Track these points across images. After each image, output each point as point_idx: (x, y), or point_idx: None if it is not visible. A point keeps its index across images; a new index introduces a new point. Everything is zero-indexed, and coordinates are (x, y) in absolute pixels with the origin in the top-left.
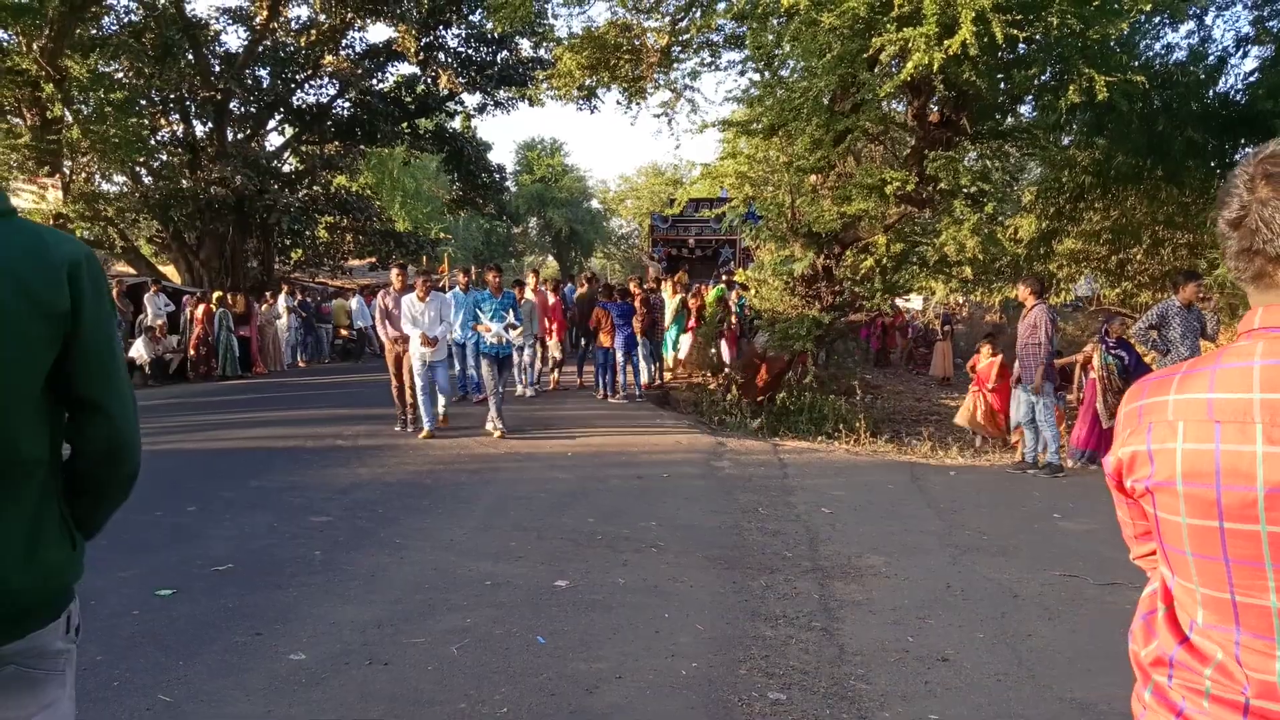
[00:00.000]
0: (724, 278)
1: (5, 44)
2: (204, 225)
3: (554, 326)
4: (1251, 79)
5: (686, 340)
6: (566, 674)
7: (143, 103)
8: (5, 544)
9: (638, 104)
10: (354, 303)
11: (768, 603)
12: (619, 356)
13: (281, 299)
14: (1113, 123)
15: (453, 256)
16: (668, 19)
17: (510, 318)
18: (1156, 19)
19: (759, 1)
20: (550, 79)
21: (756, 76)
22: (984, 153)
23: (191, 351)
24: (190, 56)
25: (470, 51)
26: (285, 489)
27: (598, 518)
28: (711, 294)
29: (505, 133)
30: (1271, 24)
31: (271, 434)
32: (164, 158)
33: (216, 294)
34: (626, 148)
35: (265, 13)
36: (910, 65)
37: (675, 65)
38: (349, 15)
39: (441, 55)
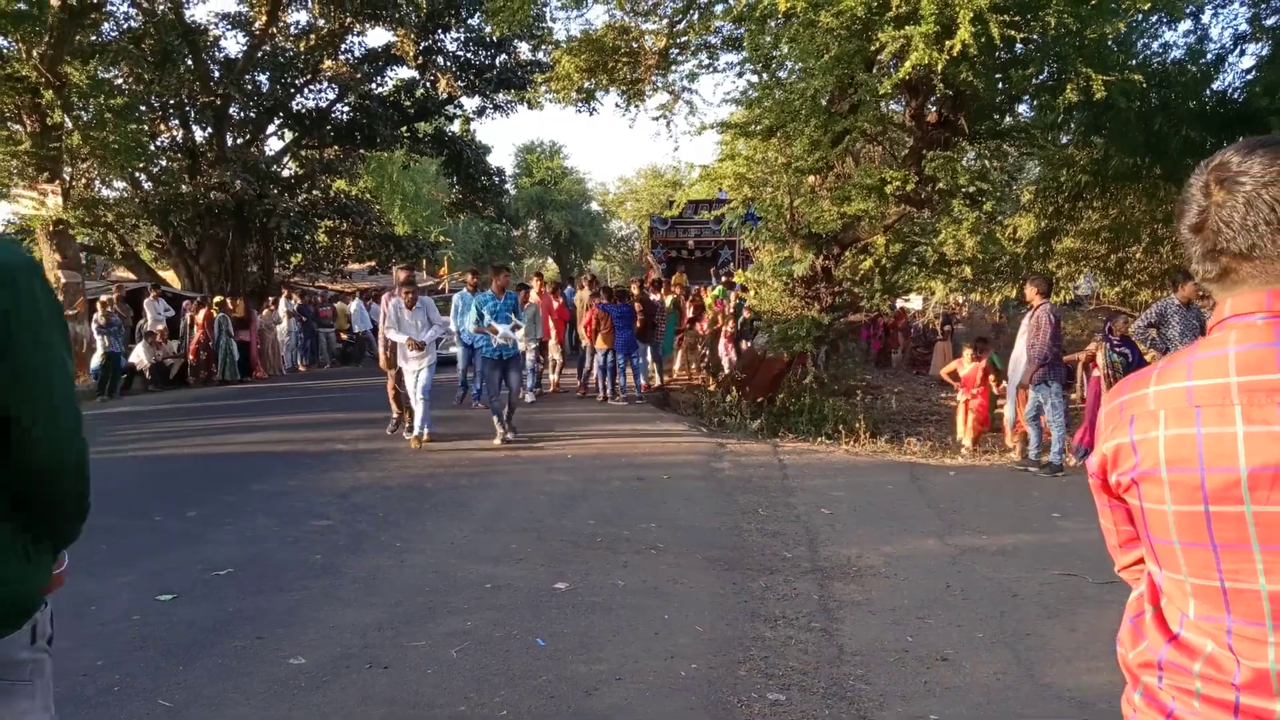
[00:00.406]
0: (723, 279)
1: (5, 51)
2: (204, 230)
3: (555, 329)
4: (1249, 77)
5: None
6: (566, 676)
7: (142, 108)
8: None
9: (636, 106)
10: (353, 306)
11: (767, 603)
12: (619, 358)
13: (282, 303)
14: (1111, 122)
15: (453, 260)
16: (665, 21)
17: (514, 319)
18: (1154, 18)
19: (756, 3)
20: (549, 82)
21: (754, 78)
22: (982, 152)
23: (191, 356)
24: (190, 62)
25: (469, 55)
26: (285, 493)
27: (598, 520)
28: (710, 296)
29: (504, 136)
30: (1268, 21)
31: (272, 438)
32: (164, 163)
33: (217, 299)
34: (625, 150)
35: (264, 18)
36: (908, 65)
37: (673, 67)
38: (348, 20)
39: (440, 59)
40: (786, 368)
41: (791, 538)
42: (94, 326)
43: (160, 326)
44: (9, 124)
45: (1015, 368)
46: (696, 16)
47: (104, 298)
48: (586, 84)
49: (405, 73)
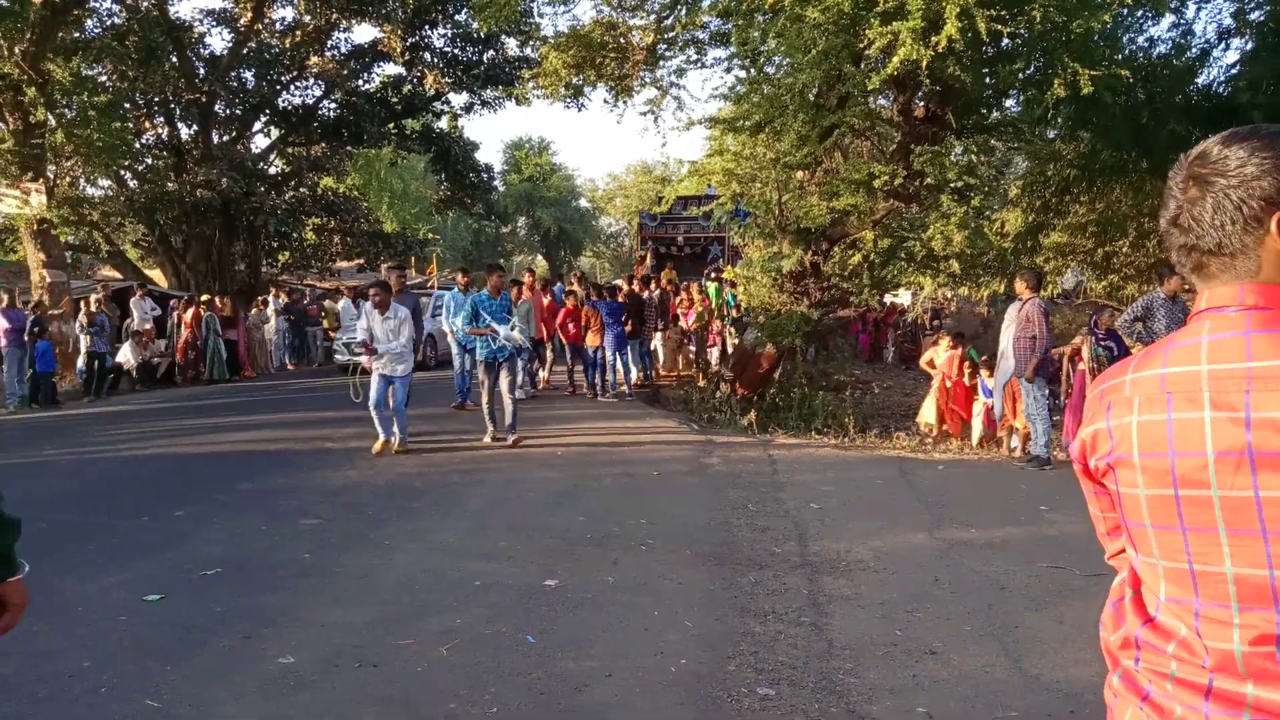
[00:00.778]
0: (712, 275)
1: None
2: (190, 229)
3: (546, 326)
4: (1233, 71)
5: (658, 339)
6: (556, 673)
7: (127, 106)
8: None
9: (624, 102)
10: (342, 305)
11: (757, 599)
12: (609, 355)
13: (271, 302)
14: (1097, 116)
15: (441, 257)
16: (653, 17)
17: (512, 320)
18: (1139, 13)
19: None
20: (537, 78)
21: (742, 73)
22: (970, 147)
23: (179, 356)
24: (174, 59)
25: (456, 51)
26: (274, 492)
27: (588, 517)
28: (703, 292)
29: (492, 132)
30: (1252, 16)
31: (261, 437)
32: (149, 161)
33: (204, 297)
34: (614, 146)
35: (249, 14)
36: (895, 60)
37: (661, 63)
38: (334, 16)
39: (427, 55)
40: (776, 363)
41: (781, 533)
42: (77, 326)
43: (147, 326)
44: None
45: (1002, 361)
46: (684, 11)
47: (93, 297)
48: (574, 80)
49: (392, 69)
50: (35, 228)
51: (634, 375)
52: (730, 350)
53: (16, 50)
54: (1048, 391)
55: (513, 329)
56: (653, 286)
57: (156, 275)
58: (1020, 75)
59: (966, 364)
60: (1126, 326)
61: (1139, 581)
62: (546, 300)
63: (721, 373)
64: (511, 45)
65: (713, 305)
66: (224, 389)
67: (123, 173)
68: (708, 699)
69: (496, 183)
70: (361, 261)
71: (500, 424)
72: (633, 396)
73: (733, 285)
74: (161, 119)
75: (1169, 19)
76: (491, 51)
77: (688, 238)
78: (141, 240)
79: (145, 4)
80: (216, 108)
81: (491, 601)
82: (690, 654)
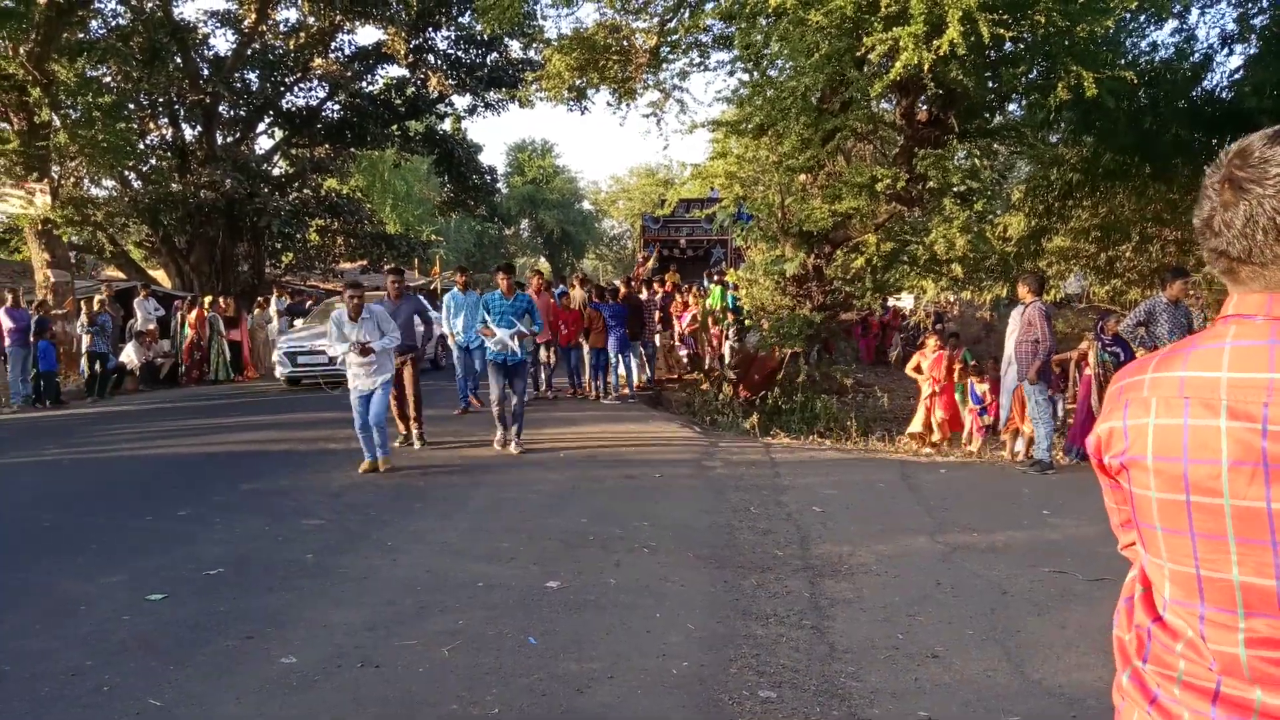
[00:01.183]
0: (715, 278)
1: None
2: (194, 229)
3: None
4: (1237, 76)
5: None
6: (558, 674)
7: (131, 107)
8: None
9: (627, 105)
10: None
11: (759, 601)
12: (611, 357)
13: (273, 302)
14: (1100, 120)
15: (444, 258)
16: (656, 20)
17: (521, 325)
18: (1142, 17)
19: (747, 1)
20: (540, 80)
21: (745, 76)
22: (972, 151)
23: (185, 357)
24: (179, 60)
25: (460, 53)
26: (277, 492)
27: (590, 518)
28: (709, 298)
29: (496, 134)
30: (1255, 21)
31: (263, 437)
32: (153, 162)
33: (208, 299)
34: (617, 149)
35: (254, 16)
36: (899, 65)
37: (664, 66)
38: (338, 18)
39: (431, 57)
40: (779, 366)
41: (783, 536)
42: (78, 326)
43: (151, 326)
44: None
45: (1007, 365)
46: (687, 14)
47: (96, 298)
48: (577, 82)
49: (396, 71)
50: (39, 228)
51: (635, 377)
52: (730, 353)
53: (21, 51)
54: (1050, 396)
55: (514, 336)
56: (654, 289)
57: (160, 276)
58: (1023, 79)
59: (958, 364)
60: (1129, 330)
61: (1149, 578)
62: (549, 302)
63: (724, 375)
64: (515, 48)
65: (714, 308)
66: (227, 389)
67: (127, 173)
68: (709, 701)
69: (499, 185)
70: (365, 263)
71: (509, 429)
72: (635, 399)
73: (735, 288)
74: (165, 120)
75: (1172, 24)
76: (495, 54)
77: (690, 240)
78: (145, 241)
79: (150, 5)
80: (220, 109)
81: (493, 602)
82: (692, 656)
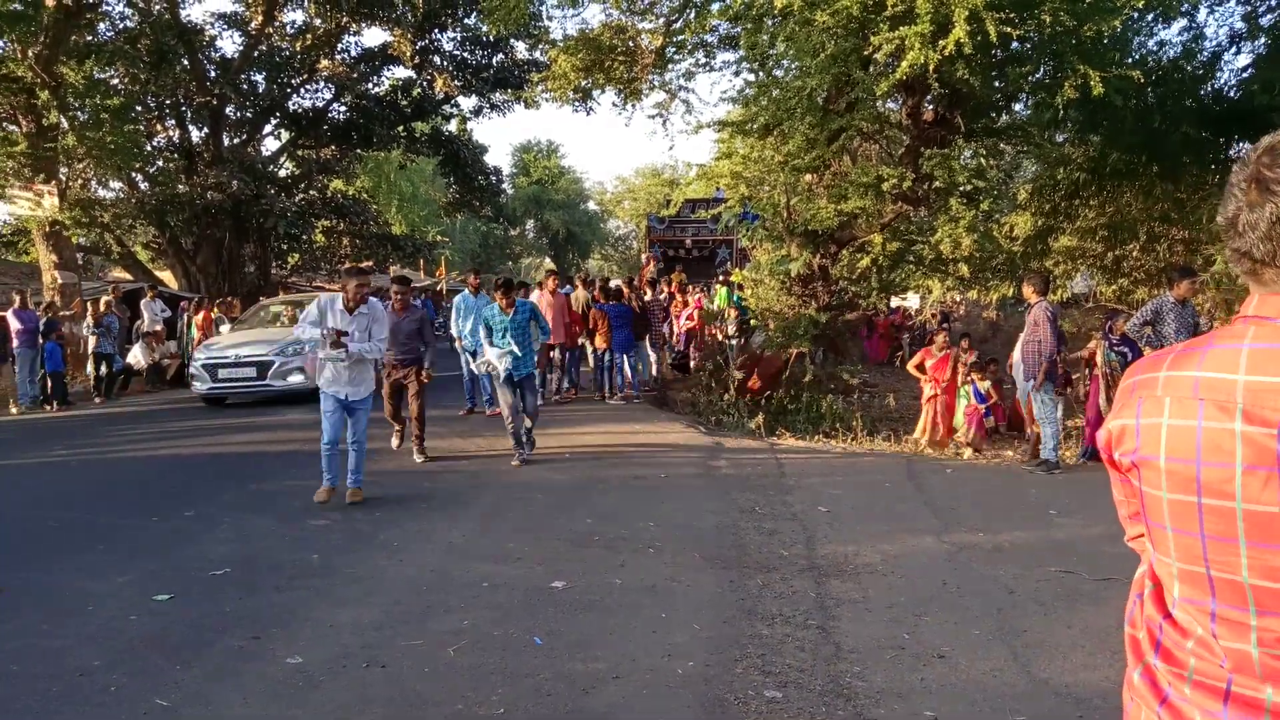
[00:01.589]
0: (721, 279)
1: (0, 51)
2: (200, 231)
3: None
4: (1245, 74)
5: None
6: (563, 674)
7: (138, 109)
8: None
9: (633, 105)
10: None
11: (764, 602)
12: (616, 357)
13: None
14: (1107, 120)
15: (450, 259)
16: (662, 20)
17: (515, 344)
18: (1149, 16)
19: (753, 2)
20: (545, 81)
21: (751, 76)
22: (979, 151)
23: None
24: (186, 62)
25: (466, 54)
26: (283, 492)
27: (595, 519)
28: (716, 299)
29: (501, 135)
30: (1264, 19)
31: (270, 438)
32: (160, 163)
33: (219, 301)
34: (623, 149)
35: (260, 18)
36: (905, 64)
37: (670, 66)
38: (344, 19)
39: (437, 58)
40: (784, 366)
41: (789, 536)
42: (84, 327)
43: (158, 327)
44: (4, 125)
45: (1017, 366)
46: (693, 15)
47: (103, 299)
48: (583, 83)
49: (402, 72)
50: (47, 229)
51: (648, 375)
52: (731, 350)
53: (30, 53)
54: (1055, 395)
55: (502, 357)
56: (661, 289)
57: (167, 277)
58: (1030, 79)
59: (964, 364)
60: (1136, 330)
61: (1158, 575)
62: (564, 302)
63: (730, 375)
64: (520, 49)
65: (723, 307)
66: None
67: (134, 175)
68: (715, 701)
69: (505, 185)
70: (371, 264)
71: (524, 446)
72: (640, 399)
73: (740, 288)
74: (173, 121)
75: (1180, 22)
76: (500, 55)
77: (696, 241)
78: (152, 242)
79: (157, 7)
80: (227, 110)
81: (499, 603)
82: (698, 656)
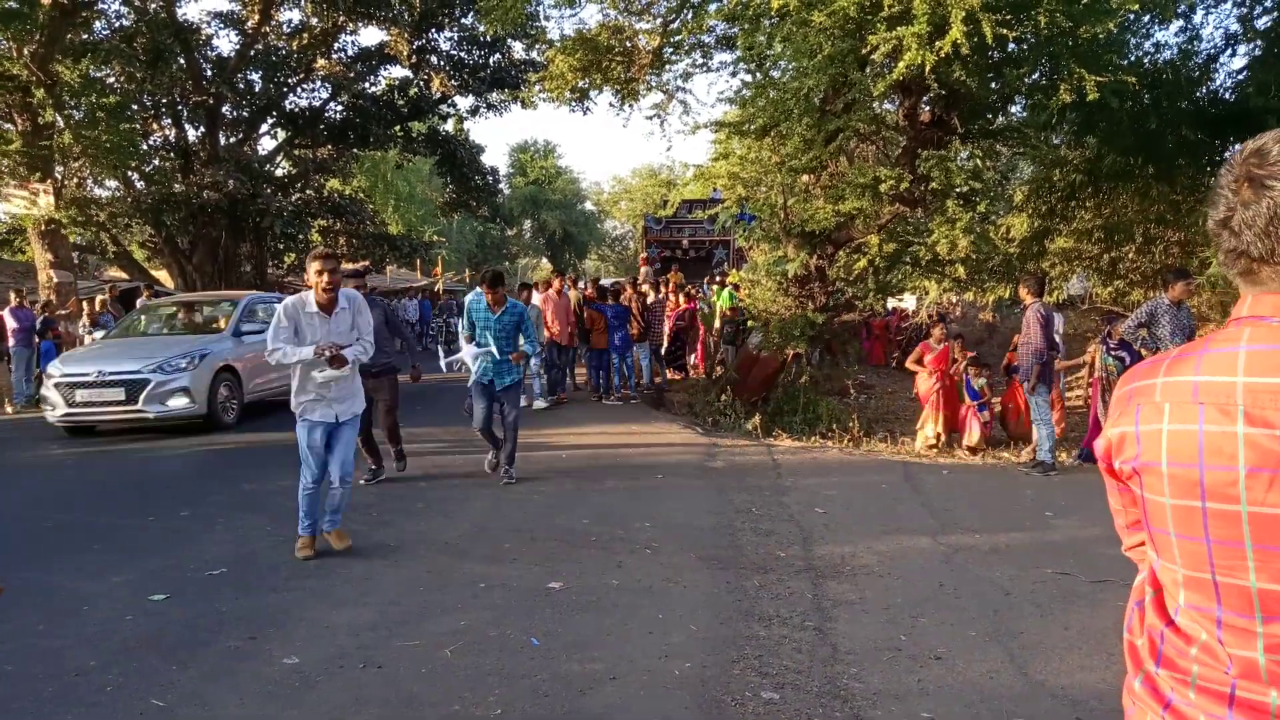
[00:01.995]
0: (718, 279)
1: None
2: (197, 230)
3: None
4: (1241, 76)
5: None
6: (560, 675)
7: (134, 107)
8: None
9: (630, 106)
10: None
11: (761, 602)
12: (613, 358)
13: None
14: (1103, 121)
15: (446, 259)
16: (659, 21)
17: (490, 344)
18: (1145, 18)
19: (750, 2)
20: (542, 81)
21: (748, 77)
22: (975, 152)
23: None
24: (182, 61)
25: (462, 54)
26: (278, 492)
27: (592, 519)
28: (716, 299)
29: (498, 135)
30: (1259, 21)
31: (264, 437)
32: (156, 162)
33: None
34: (620, 150)
35: (257, 17)
36: (901, 65)
37: (667, 67)
38: (341, 19)
39: (434, 58)
40: (781, 367)
41: (785, 537)
42: (80, 326)
43: None
44: (0, 123)
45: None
46: (690, 15)
47: (99, 298)
48: (580, 83)
49: (398, 72)
50: (43, 228)
51: (649, 376)
52: (722, 351)
53: (26, 52)
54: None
55: (479, 356)
56: (662, 291)
57: (163, 276)
58: (1026, 80)
59: (961, 359)
60: (1131, 332)
61: (1159, 582)
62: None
63: (727, 375)
64: (517, 49)
65: (724, 308)
66: None
67: (130, 174)
68: (712, 702)
69: (502, 185)
70: (367, 263)
71: (500, 449)
72: (636, 399)
73: (736, 288)
74: (169, 120)
75: (1176, 24)
76: (497, 55)
77: (693, 241)
78: (148, 241)
79: (153, 6)
80: (224, 109)
81: (495, 603)
82: (694, 657)
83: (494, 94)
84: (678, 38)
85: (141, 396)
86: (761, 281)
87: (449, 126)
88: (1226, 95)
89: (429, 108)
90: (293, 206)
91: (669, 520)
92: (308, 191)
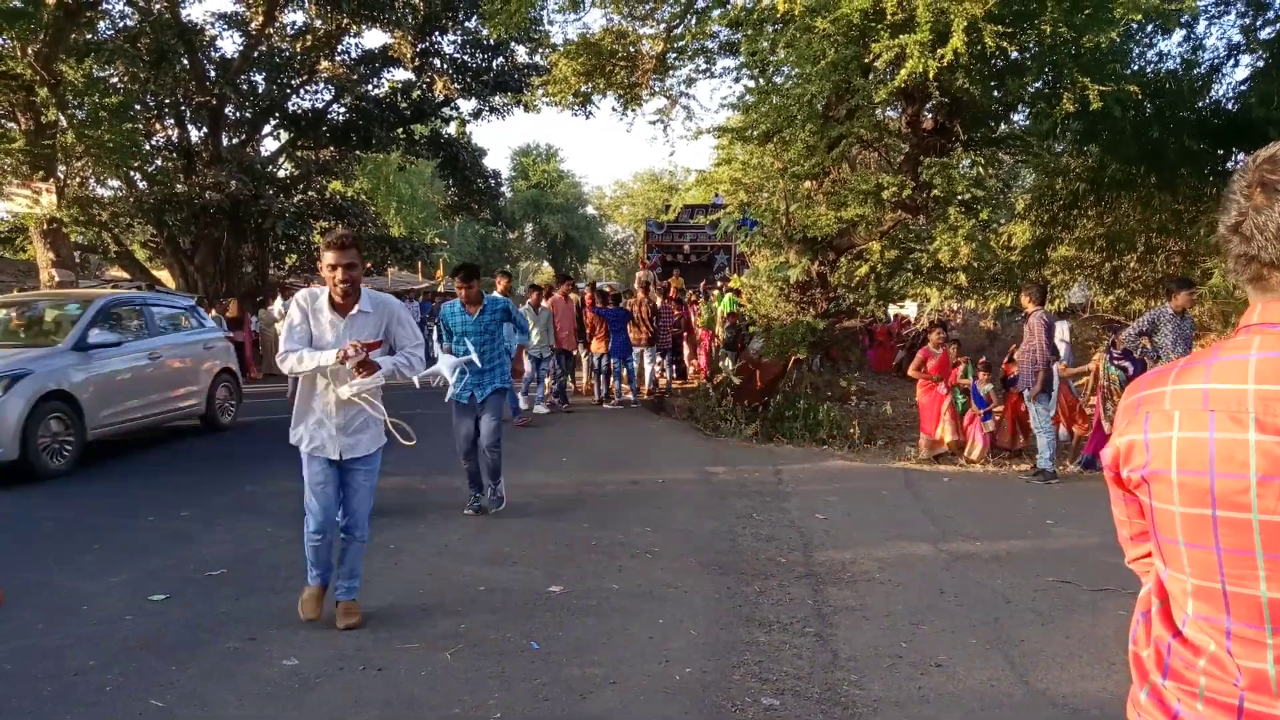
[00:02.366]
0: (719, 284)
1: (0, 48)
2: (199, 230)
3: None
4: (1243, 87)
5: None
6: (560, 679)
7: (137, 108)
8: None
9: (633, 110)
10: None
11: (762, 608)
12: (613, 362)
13: (277, 303)
14: (1106, 130)
15: (448, 262)
16: (663, 26)
17: (469, 351)
18: (1148, 28)
19: (754, 8)
20: (546, 85)
21: (751, 83)
22: (978, 160)
23: None
24: (185, 62)
25: (466, 57)
26: (278, 494)
27: (592, 523)
28: (719, 304)
29: (500, 139)
30: (1262, 32)
31: (265, 438)
32: (159, 163)
33: (222, 302)
34: (622, 154)
35: (261, 18)
36: (904, 72)
37: (670, 72)
38: (345, 21)
39: (437, 61)
40: (781, 373)
41: (786, 543)
42: None
43: None
44: (3, 122)
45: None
46: (694, 21)
47: None
48: (583, 88)
49: (402, 74)
50: (45, 227)
51: (658, 381)
52: (720, 358)
53: (29, 51)
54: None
55: (456, 368)
56: (669, 295)
57: (164, 276)
58: (1029, 89)
59: (961, 363)
60: (1132, 341)
61: (1165, 592)
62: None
63: (727, 380)
64: (521, 52)
65: (724, 313)
66: None
67: (132, 174)
68: (712, 708)
69: (504, 189)
70: (369, 265)
71: (482, 488)
72: (637, 404)
73: (737, 293)
74: (172, 121)
75: (1179, 34)
76: (501, 58)
77: (694, 246)
78: (150, 241)
79: (157, 6)
80: (226, 110)
81: (495, 607)
82: (694, 663)
83: (497, 97)
84: (681, 43)
85: None
86: (763, 287)
87: (451, 129)
88: (1229, 105)
89: (432, 110)
90: (295, 208)
91: (669, 525)
92: (310, 193)
